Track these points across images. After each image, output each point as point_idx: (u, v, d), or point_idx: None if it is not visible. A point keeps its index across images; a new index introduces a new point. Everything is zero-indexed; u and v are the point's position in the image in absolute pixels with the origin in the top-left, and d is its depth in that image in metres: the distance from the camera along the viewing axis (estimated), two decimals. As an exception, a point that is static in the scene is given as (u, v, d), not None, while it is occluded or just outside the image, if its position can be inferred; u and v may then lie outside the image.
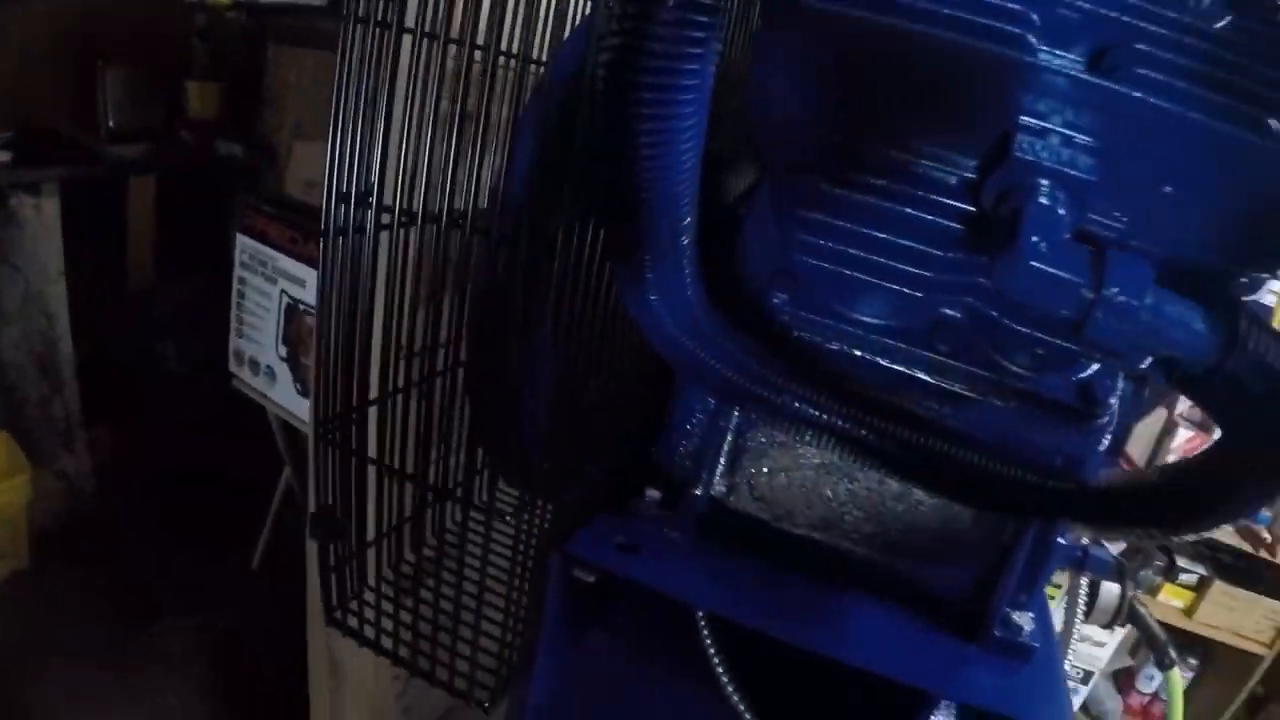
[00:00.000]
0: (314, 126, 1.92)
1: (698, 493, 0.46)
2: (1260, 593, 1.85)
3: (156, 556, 1.96)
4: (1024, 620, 0.48)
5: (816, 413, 0.37)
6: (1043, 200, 0.28)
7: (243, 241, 1.78)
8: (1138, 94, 0.28)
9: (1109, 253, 0.28)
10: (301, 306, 1.76)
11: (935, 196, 0.34)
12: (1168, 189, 0.30)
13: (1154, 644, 0.86)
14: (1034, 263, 0.27)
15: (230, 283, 1.84)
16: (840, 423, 0.37)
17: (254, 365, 1.88)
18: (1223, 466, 0.34)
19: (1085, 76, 0.28)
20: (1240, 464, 0.33)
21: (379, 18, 0.43)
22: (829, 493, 0.46)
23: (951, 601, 0.47)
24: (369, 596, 0.55)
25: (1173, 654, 0.85)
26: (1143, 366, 0.41)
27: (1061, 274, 0.27)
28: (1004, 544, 0.46)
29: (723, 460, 0.46)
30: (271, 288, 1.79)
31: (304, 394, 1.80)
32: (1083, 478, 0.41)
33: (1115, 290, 0.27)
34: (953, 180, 0.32)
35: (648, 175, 0.30)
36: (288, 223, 1.72)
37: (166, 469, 2.15)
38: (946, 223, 0.34)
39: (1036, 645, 0.47)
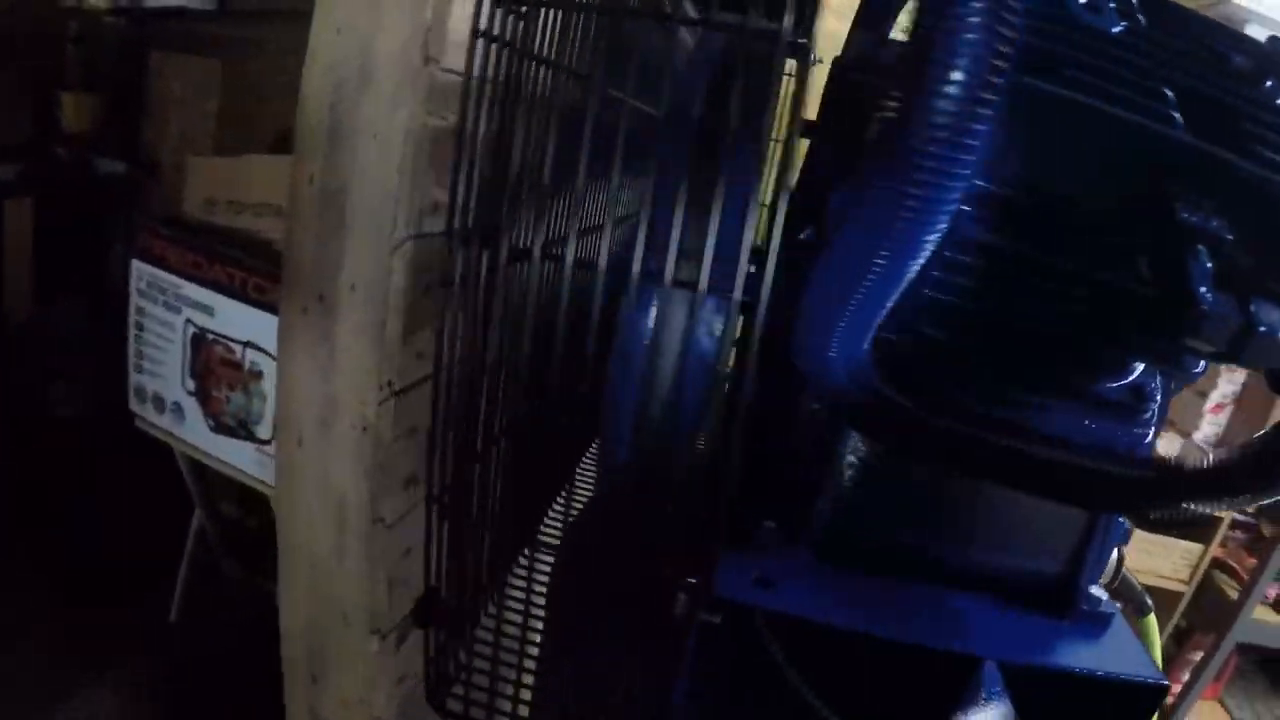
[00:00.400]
0: (202, 139, 1.85)
1: (816, 517, 0.52)
2: (1175, 536, 2.09)
3: (65, 621, 1.86)
4: (1099, 592, 0.57)
5: (956, 442, 0.43)
6: (1202, 257, 0.35)
7: (139, 268, 1.71)
8: (1249, 164, 0.37)
9: (1253, 298, 0.36)
10: (210, 336, 1.71)
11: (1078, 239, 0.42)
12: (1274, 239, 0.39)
13: (1132, 594, 0.99)
14: (1204, 308, 0.35)
15: (120, 312, 1.75)
16: (981, 450, 0.43)
17: (158, 402, 1.80)
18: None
19: (1226, 155, 0.36)
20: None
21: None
22: (934, 504, 0.53)
23: (1042, 587, 0.55)
24: (481, 679, 0.56)
25: (1149, 601, 0.98)
26: (1196, 370, 0.50)
27: (1227, 318, 0.35)
28: (1085, 530, 0.55)
29: (837, 485, 0.52)
30: (174, 317, 1.73)
31: (217, 430, 1.74)
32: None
33: (1264, 329, 0.35)
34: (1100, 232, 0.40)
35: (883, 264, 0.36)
36: (189, 245, 1.66)
37: (65, 518, 2.03)
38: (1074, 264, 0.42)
39: (1114, 612, 0.56)
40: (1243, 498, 0.44)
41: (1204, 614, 2.12)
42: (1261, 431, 0.43)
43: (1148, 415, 0.54)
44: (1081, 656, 0.53)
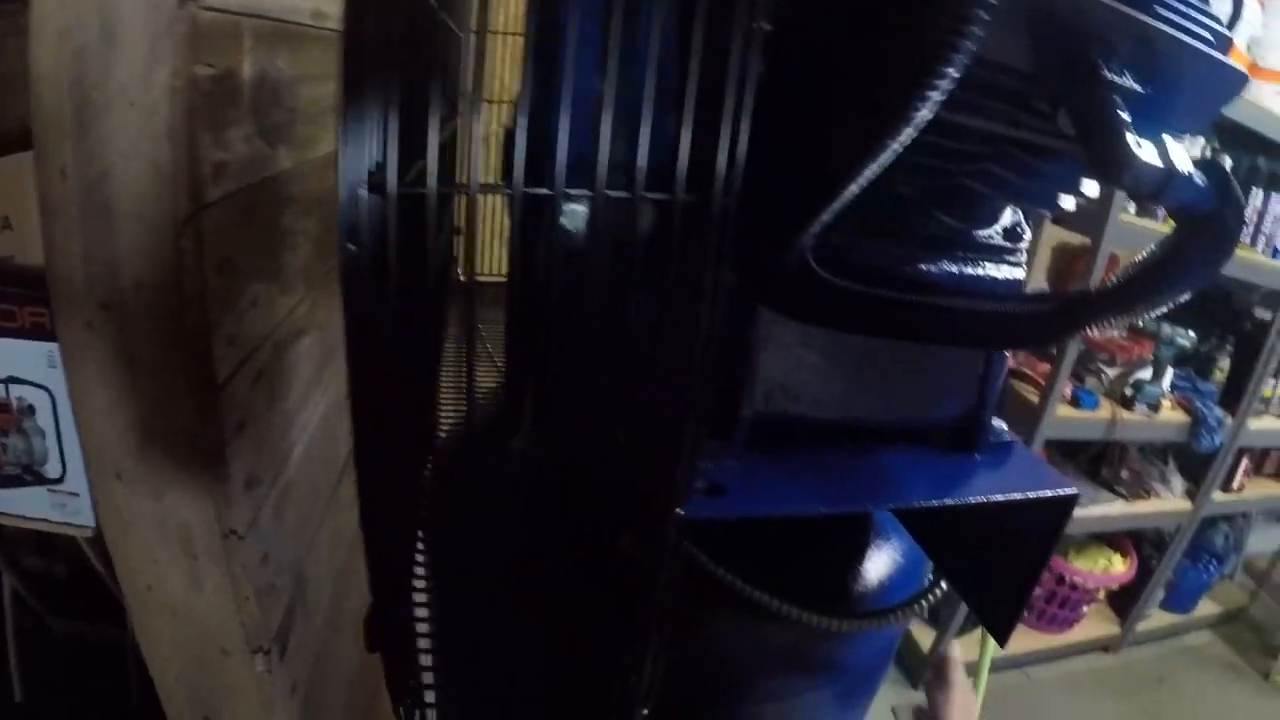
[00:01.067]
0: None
1: (745, 413, 0.50)
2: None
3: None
4: (1000, 424, 0.59)
5: (878, 308, 0.42)
6: (1123, 111, 0.36)
7: None
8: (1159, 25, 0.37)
9: (1168, 144, 0.36)
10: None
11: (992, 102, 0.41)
12: (1173, 92, 0.39)
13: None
14: (1138, 156, 0.35)
15: None
16: (901, 311, 0.42)
17: (-76, 466, 1.54)
18: (1182, 254, 0.44)
19: (1133, 13, 0.36)
20: (1193, 253, 0.44)
21: None
22: (848, 371, 0.52)
23: (952, 429, 0.56)
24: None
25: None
26: (1064, 207, 0.51)
27: (1153, 164, 0.36)
28: (984, 369, 0.56)
29: (757, 374, 0.50)
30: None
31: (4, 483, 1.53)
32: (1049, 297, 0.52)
33: (1183, 171, 0.37)
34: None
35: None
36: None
37: None
38: (988, 125, 0.41)
39: (1014, 440, 0.59)
40: (1137, 311, 0.46)
41: (1010, 420, 2.33)
42: (1146, 251, 0.45)
43: (1019, 254, 0.55)
44: (998, 484, 0.54)
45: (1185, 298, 0.46)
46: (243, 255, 0.82)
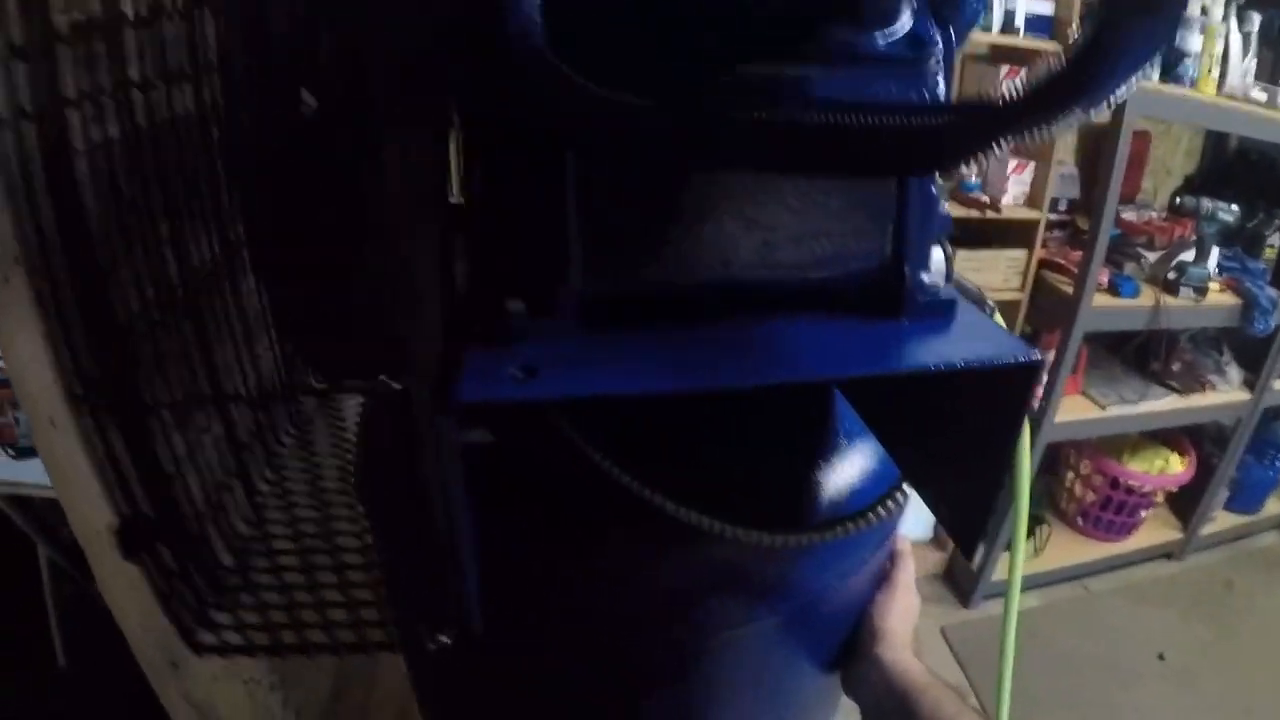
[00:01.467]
0: None
1: (571, 283, 0.40)
2: (996, 248, 2.12)
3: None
4: (933, 279, 0.47)
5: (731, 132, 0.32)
6: None
7: None
8: None
9: None
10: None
11: None
12: None
13: (969, 295, 0.95)
14: None
15: None
16: (736, 133, 0.32)
17: (-64, 446, 1.57)
18: (1114, 22, 0.33)
19: None
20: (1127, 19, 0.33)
21: None
22: (712, 218, 0.41)
23: (868, 287, 0.45)
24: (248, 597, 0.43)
25: (989, 300, 0.93)
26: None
27: None
28: (897, 205, 0.45)
29: (586, 228, 0.39)
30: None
31: (20, 456, 1.55)
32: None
33: None
34: None
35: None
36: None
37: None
38: None
39: (954, 298, 0.47)
40: (1066, 115, 0.35)
41: (1045, 315, 2.18)
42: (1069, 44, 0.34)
43: (932, 67, 0.44)
44: (927, 351, 0.43)
45: (1129, 89, 0.35)
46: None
